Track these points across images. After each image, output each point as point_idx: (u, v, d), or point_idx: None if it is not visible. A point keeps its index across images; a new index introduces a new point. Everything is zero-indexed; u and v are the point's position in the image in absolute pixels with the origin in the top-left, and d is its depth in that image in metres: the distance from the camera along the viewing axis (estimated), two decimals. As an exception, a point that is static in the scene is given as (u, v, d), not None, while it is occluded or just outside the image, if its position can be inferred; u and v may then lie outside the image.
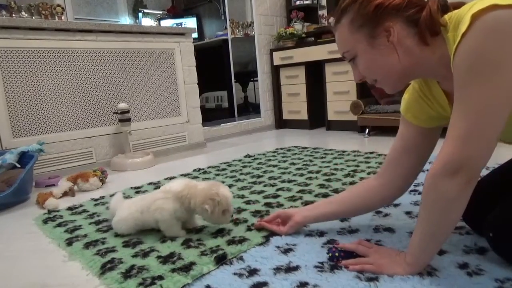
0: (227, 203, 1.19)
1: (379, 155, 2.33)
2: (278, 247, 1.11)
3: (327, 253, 1.01)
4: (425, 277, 0.87)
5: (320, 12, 4.13)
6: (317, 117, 3.92)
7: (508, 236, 0.85)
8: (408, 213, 1.31)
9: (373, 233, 1.17)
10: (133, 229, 1.29)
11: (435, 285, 0.84)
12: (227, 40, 4.47)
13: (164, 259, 1.08)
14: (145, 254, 1.13)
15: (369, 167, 2.03)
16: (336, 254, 0.98)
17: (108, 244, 1.24)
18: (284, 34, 3.94)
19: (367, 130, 3.25)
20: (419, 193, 1.52)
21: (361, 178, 1.81)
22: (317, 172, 2.02)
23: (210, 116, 4.12)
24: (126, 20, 4.92)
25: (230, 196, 1.21)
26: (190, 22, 5.32)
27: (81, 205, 1.73)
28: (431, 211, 0.80)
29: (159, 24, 5.27)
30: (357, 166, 2.08)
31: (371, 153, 2.40)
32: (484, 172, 1.11)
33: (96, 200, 1.81)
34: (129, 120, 2.61)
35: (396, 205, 1.40)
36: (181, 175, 2.20)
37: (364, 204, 1.12)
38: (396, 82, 0.88)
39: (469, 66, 0.69)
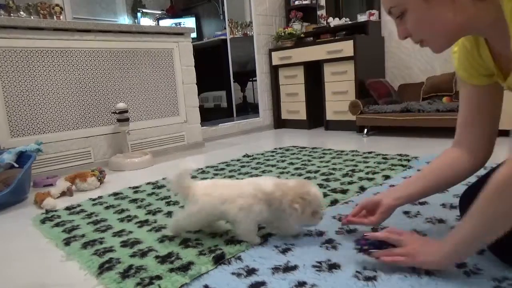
0: (318, 203, 1.10)
1: (378, 154, 2.33)
2: (276, 246, 1.11)
3: (356, 246, 0.96)
4: (423, 276, 0.88)
5: (319, 12, 4.14)
6: (315, 117, 3.92)
7: (503, 236, 0.85)
8: (406, 212, 1.31)
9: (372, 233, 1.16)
10: (204, 221, 1.18)
11: (433, 285, 0.84)
12: (226, 40, 4.47)
13: (162, 259, 1.08)
14: (143, 254, 1.13)
15: (367, 167, 2.03)
16: (365, 247, 0.94)
17: (106, 244, 1.24)
18: (283, 34, 3.94)
19: (365, 130, 3.25)
20: (418, 193, 1.52)
21: (360, 178, 1.81)
22: (316, 172, 2.02)
23: (209, 116, 4.12)
24: (124, 19, 4.91)
25: (321, 196, 1.12)
26: (189, 22, 5.32)
27: (79, 205, 1.73)
28: (502, 208, 0.74)
29: (158, 24, 5.27)
30: (356, 165, 2.08)
31: (370, 152, 2.40)
32: (482, 172, 1.12)
33: (94, 200, 1.80)
34: (127, 120, 2.61)
35: (394, 205, 1.40)
36: (180, 175, 2.19)
37: (454, 175, 1.05)
38: (446, 41, 0.83)
39: None
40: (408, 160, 2.10)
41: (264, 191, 1.10)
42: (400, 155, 2.26)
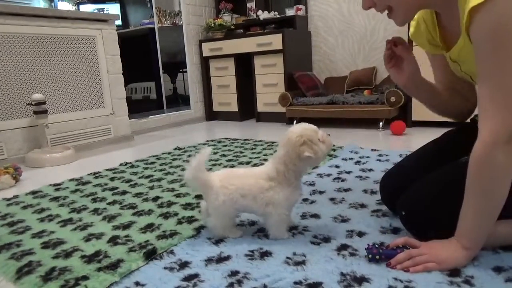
0: (314, 133, 1.03)
1: (306, 145, 2.42)
2: (209, 238, 1.11)
3: (367, 255, 0.92)
4: (347, 258, 0.94)
5: (248, 5, 4.16)
6: (247, 109, 3.96)
7: (416, 215, 0.95)
8: (332, 199, 1.39)
9: (301, 220, 1.22)
10: (232, 213, 1.10)
11: (356, 265, 0.91)
12: (154, 29, 4.31)
13: (89, 259, 1.03)
14: (67, 255, 1.06)
15: (296, 157, 2.10)
16: (377, 257, 0.90)
17: (24, 246, 1.14)
18: (213, 25, 3.91)
19: (294, 121, 3.36)
20: (343, 180, 1.62)
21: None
22: (248, 163, 2.05)
23: (137, 108, 3.96)
24: (39, 3, 4.51)
25: (308, 126, 1.04)
26: (113, 8, 5.03)
27: (-10, 206, 1.57)
28: (485, 184, 0.79)
29: (78, 9, 4.91)
30: (286, 156, 2.15)
31: (299, 143, 2.49)
32: (398, 159, 1.22)
33: (9, 199, 1.65)
34: (45, 112, 2.41)
35: (321, 192, 1.47)
36: (107, 169, 2.09)
37: (452, 106, 1.11)
38: (410, 12, 0.90)
39: (494, 36, 0.72)
40: (334, 150, 2.22)
41: (270, 174, 1.05)
42: (326, 145, 2.37)
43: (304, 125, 1.04)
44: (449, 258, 0.85)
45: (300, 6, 3.71)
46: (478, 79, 0.79)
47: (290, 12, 3.72)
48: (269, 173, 1.06)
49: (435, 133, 1.23)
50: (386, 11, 0.90)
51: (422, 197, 0.95)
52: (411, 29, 1.08)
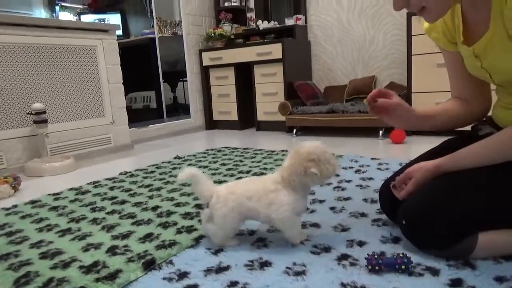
0: (325, 154, 1.04)
1: (306, 154, 2.42)
2: (208, 248, 1.10)
3: (366, 265, 0.92)
4: (348, 268, 0.93)
5: (248, 15, 4.19)
6: (247, 118, 3.96)
7: (417, 224, 0.94)
8: (332, 208, 1.39)
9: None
10: (238, 222, 1.09)
11: (356, 275, 0.90)
12: (154, 38, 4.34)
13: (87, 269, 1.02)
14: (66, 265, 1.05)
15: (296, 166, 2.10)
16: (377, 268, 0.90)
17: (22, 257, 1.13)
18: (213, 34, 3.93)
19: (294, 130, 3.37)
20: (343, 189, 1.62)
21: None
22: (248, 172, 2.05)
23: (137, 117, 3.97)
24: (41, 13, 4.55)
25: (321, 146, 1.06)
26: (114, 19, 5.08)
27: (-11, 216, 1.56)
28: (501, 150, 0.88)
29: (79, 19, 4.95)
30: (286, 165, 2.15)
31: (299, 152, 2.49)
32: (398, 167, 1.21)
33: (7, 209, 1.64)
34: (45, 121, 2.42)
35: (321, 201, 1.47)
36: (106, 179, 2.09)
37: (459, 120, 1.11)
38: (444, 10, 0.88)
39: None
40: (334, 159, 2.21)
41: (277, 179, 1.07)
42: (326, 153, 2.37)
43: (316, 143, 1.06)
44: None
45: (299, 16, 3.74)
46: None
47: (289, 21, 3.75)
48: (275, 178, 1.08)
49: (435, 142, 1.23)
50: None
51: (422, 206, 0.94)
52: (425, 25, 1.06)
